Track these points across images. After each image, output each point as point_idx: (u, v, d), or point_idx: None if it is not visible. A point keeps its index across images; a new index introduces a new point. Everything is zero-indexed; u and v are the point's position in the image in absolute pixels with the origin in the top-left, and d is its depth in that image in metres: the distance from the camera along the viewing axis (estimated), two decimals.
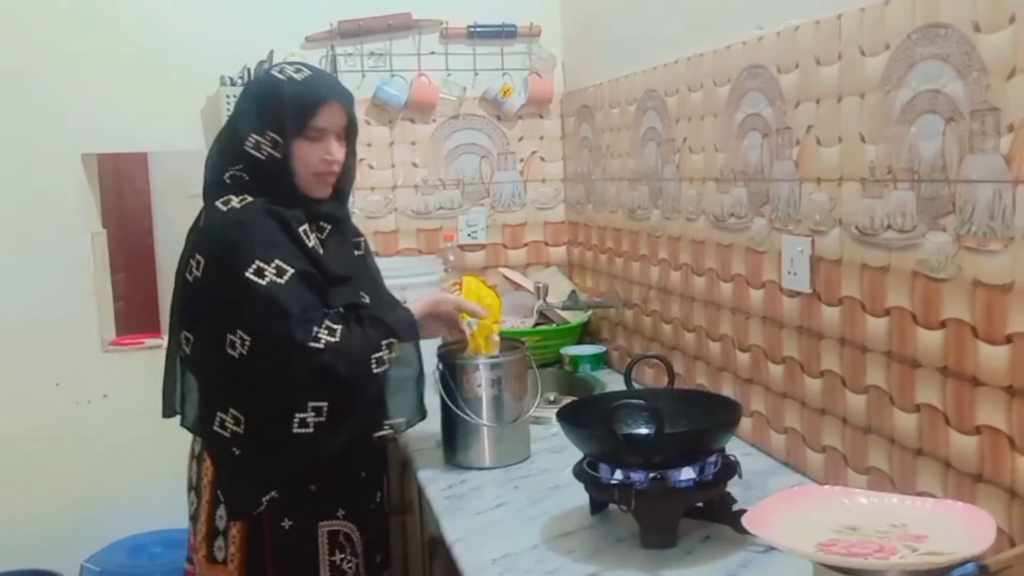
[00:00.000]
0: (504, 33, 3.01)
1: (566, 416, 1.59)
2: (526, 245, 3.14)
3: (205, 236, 1.73)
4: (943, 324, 1.37)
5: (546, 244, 3.16)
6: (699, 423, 1.56)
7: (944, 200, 1.35)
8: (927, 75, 1.37)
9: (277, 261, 1.64)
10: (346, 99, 1.79)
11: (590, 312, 2.84)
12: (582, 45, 2.96)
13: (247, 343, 1.65)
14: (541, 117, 3.10)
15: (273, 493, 1.73)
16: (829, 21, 1.60)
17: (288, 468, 1.73)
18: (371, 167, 2.97)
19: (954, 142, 1.33)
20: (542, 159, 3.12)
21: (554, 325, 2.77)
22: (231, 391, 1.71)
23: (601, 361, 2.72)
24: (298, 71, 1.76)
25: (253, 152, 1.72)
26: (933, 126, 1.36)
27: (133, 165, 3.65)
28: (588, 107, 2.84)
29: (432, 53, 2.98)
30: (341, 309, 1.72)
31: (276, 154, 1.72)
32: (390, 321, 1.75)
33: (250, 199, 1.70)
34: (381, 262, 2.04)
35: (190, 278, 1.73)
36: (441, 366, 1.92)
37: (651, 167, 2.38)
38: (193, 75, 2.79)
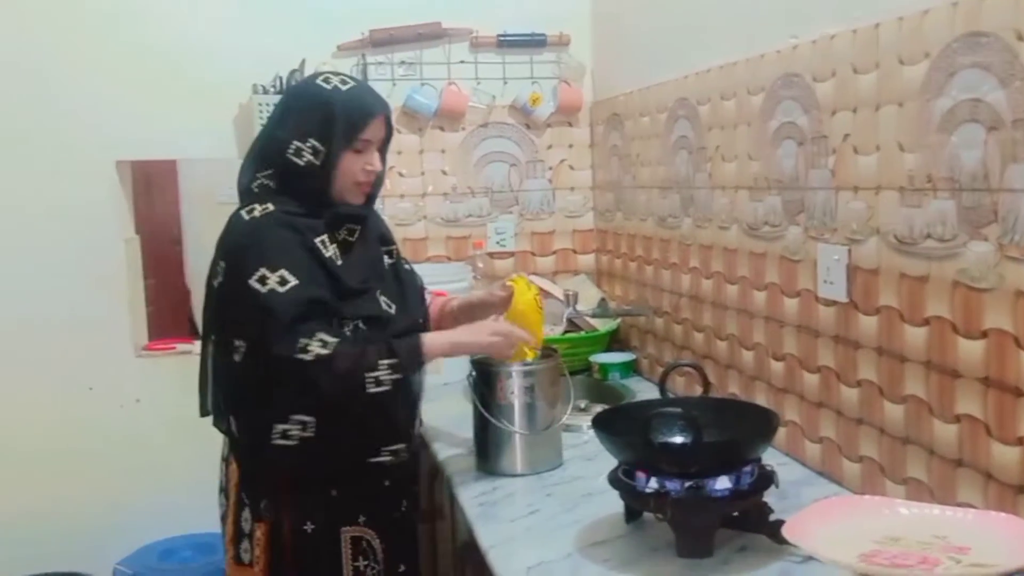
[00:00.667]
0: (533, 42, 3.02)
1: (601, 424, 1.59)
2: (554, 253, 3.15)
3: (227, 243, 1.76)
4: (984, 334, 1.36)
5: (574, 252, 3.16)
6: (735, 432, 1.55)
7: (986, 209, 1.34)
8: (968, 84, 1.36)
9: (283, 271, 1.65)
10: (389, 112, 1.83)
11: (619, 320, 2.84)
12: (611, 54, 2.97)
13: (242, 349, 1.68)
14: (570, 125, 3.11)
15: (264, 501, 1.74)
16: (866, 30, 1.60)
17: (274, 478, 1.74)
18: (401, 175, 2.98)
19: (996, 151, 1.32)
20: (571, 167, 3.13)
21: (583, 333, 2.77)
22: (235, 396, 1.75)
23: (631, 369, 2.72)
24: (343, 82, 1.78)
25: (293, 158, 1.73)
26: (974, 135, 1.36)
27: (163, 172, 3.69)
28: (618, 115, 2.84)
29: (462, 62, 2.99)
30: (360, 323, 1.72)
31: (316, 162, 1.73)
32: (394, 344, 1.70)
33: (271, 208, 1.72)
34: None
35: (215, 284, 1.76)
36: (474, 373, 1.92)
37: (682, 175, 2.37)
38: (225, 83, 2.81)
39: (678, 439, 1.55)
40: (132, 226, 2.97)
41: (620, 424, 1.60)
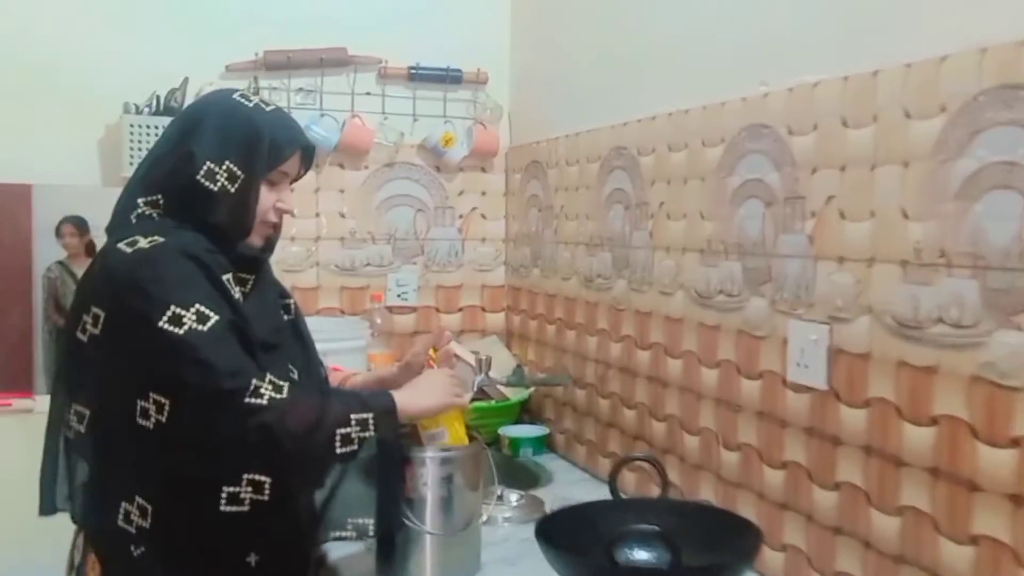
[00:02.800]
0: (448, 78, 2.75)
1: (548, 537, 1.28)
2: (461, 310, 2.85)
3: (104, 284, 1.37)
4: (1015, 442, 1.14)
5: (483, 310, 2.87)
6: (712, 551, 1.28)
7: (1020, 293, 1.13)
8: (999, 144, 1.16)
9: (198, 306, 1.32)
10: (312, 148, 1.60)
11: (532, 389, 2.56)
12: (533, 95, 2.73)
13: (165, 408, 1.31)
14: (484, 171, 2.85)
15: None
16: (861, 78, 1.39)
17: (202, 570, 1.39)
18: (292, 215, 2.63)
19: None
20: (483, 216, 2.86)
21: (493, 402, 2.47)
22: (140, 474, 1.36)
23: (543, 444, 2.44)
24: (264, 103, 1.51)
25: (204, 182, 1.42)
26: (1006, 205, 1.15)
27: (14, 198, 3.24)
28: (539, 163, 2.59)
29: (368, 94, 2.70)
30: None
31: (230, 189, 1.43)
32: (366, 396, 1.45)
33: (161, 240, 1.37)
34: None
35: (83, 337, 1.37)
36: (381, 457, 1.59)
37: (616, 232, 2.13)
38: (92, 100, 2.44)
39: (641, 555, 1.27)
40: None
41: (567, 532, 1.30)
